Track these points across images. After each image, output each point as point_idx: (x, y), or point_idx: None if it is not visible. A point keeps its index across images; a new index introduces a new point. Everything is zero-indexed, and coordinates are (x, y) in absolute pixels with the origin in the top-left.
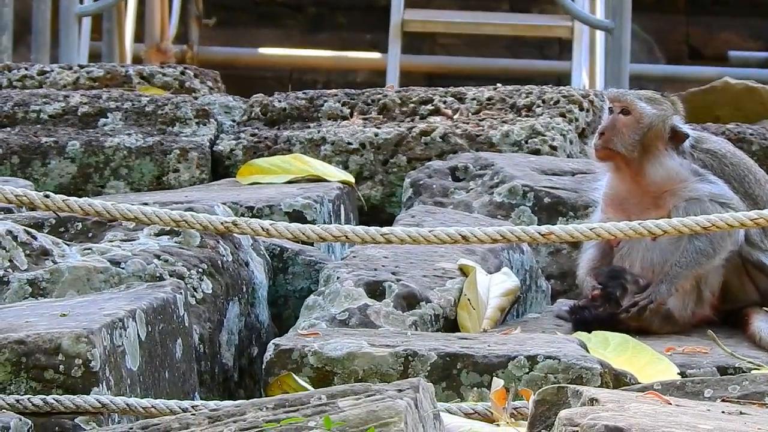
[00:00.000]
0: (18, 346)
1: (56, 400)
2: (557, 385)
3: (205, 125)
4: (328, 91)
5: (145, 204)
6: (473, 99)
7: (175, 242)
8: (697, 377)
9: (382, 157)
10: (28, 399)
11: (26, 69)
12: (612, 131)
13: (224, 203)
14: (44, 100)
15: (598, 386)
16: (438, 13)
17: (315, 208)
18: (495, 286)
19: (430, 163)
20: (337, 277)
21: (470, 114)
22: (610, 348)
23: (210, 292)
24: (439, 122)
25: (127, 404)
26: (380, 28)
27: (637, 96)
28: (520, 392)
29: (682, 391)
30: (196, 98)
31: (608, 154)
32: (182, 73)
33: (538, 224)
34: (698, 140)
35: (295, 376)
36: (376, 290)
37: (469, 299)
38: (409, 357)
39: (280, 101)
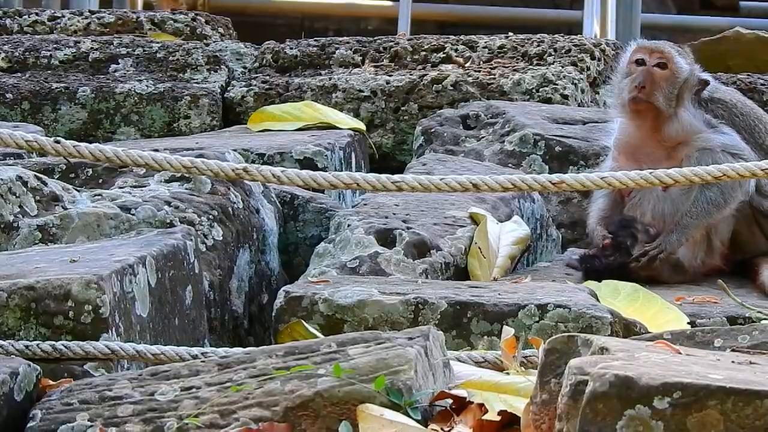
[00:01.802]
0: (27, 292)
1: (65, 347)
2: (567, 333)
3: (216, 72)
4: (340, 39)
5: (156, 150)
6: (485, 47)
7: (186, 189)
8: (707, 327)
9: (394, 104)
10: (38, 345)
11: (37, 14)
12: (652, 85)
13: (235, 150)
14: (55, 45)
15: (608, 335)
16: None
17: (326, 155)
18: (505, 235)
19: (441, 111)
20: (348, 225)
21: (481, 62)
22: (620, 297)
23: (220, 239)
24: (450, 70)
25: (137, 351)
26: None
27: (674, 49)
28: (530, 341)
29: (692, 340)
30: (207, 45)
31: (647, 107)
32: (193, 19)
33: (548, 173)
34: (710, 90)
35: (305, 324)
36: (386, 238)
37: (479, 248)
38: (420, 305)
39: (291, 48)
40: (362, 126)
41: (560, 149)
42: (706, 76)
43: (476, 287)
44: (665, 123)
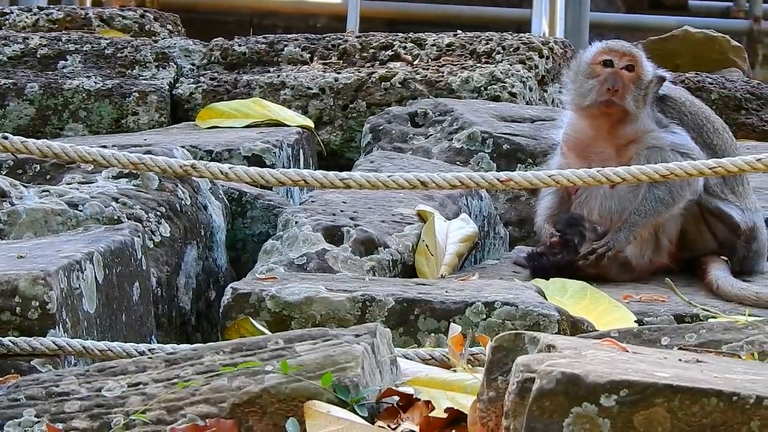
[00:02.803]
0: None
1: (12, 342)
2: (514, 331)
3: (164, 69)
4: (289, 36)
5: (104, 146)
6: (433, 45)
7: (134, 185)
8: (654, 325)
9: (342, 102)
10: None
11: None
12: (624, 88)
13: (183, 147)
14: (3, 42)
15: (556, 333)
16: None
17: (274, 152)
18: (453, 232)
19: (389, 108)
20: (296, 222)
21: (430, 60)
22: (568, 295)
23: (168, 235)
24: (399, 68)
25: (84, 347)
26: None
27: (640, 51)
28: (477, 338)
29: (639, 338)
30: (155, 41)
31: (618, 109)
32: (142, 16)
33: (496, 171)
34: (661, 89)
35: (252, 320)
36: (334, 235)
37: (427, 245)
38: (367, 302)
39: (240, 45)
40: (310, 123)
41: (508, 147)
42: (662, 72)
43: (424, 285)
44: (624, 123)
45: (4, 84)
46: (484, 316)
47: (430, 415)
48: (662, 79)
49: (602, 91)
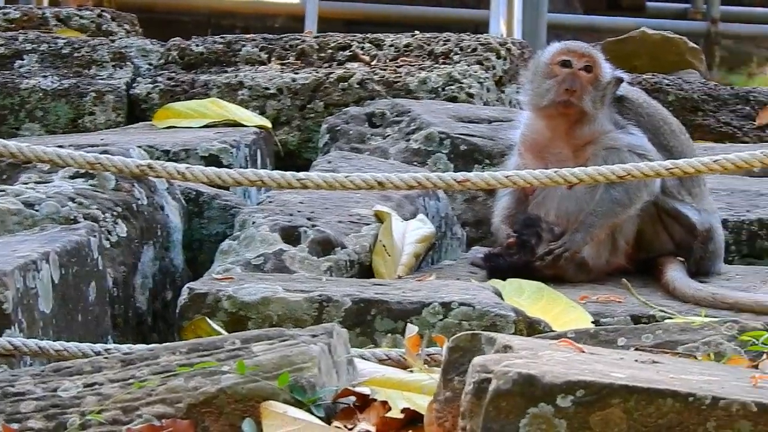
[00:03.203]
0: None
1: None
2: (471, 331)
3: (121, 68)
4: (246, 36)
5: (60, 146)
6: (391, 45)
7: (90, 185)
8: (610, 326)
9: (300, 102)
10: None
11: None
12: (582, 89)
13: (140, 146)
14: None
15: (512, 334)
16: None
17: (231, 152)
18: (410, 233)
19: (347, 109)
20: (253, 222)
21: (388, 60)
22: (525, 296)
23: (125, 235)
24: (356, 68)
25: (40, 347)
26: None
27: (598, 52)
28: (434, 339)
29: (596, 339)
30: (113, 41)
31: (575, 110)
32: (99, 15)
33: (454, 171)
34: (618, 90)
35: (209, 321)
36: (291, 235)
37: (384, 245)
38: (324, 302)
39: (197, 45)
40: (268, 123)
41: (465, 147)
42: (620, 73)
43: (381, 285)
44: (581, 124)
45: None
46: (441, 317)
47: (386, 415)
48: (620, 81)
49: (560, 91)
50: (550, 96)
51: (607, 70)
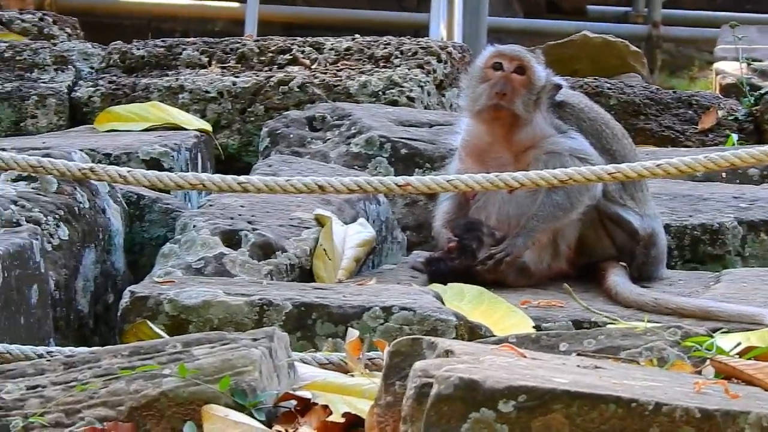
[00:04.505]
0: None
1: None
2: (412, 336)
3: (63, 72)
4: (187, 40)
5: (2, 149)
6: (331, 49)
7: (32, 188)
8: (552, 331)
9: (240, 106)
10: None
11: None
12: (513, 92)
13: (82, 150)
14: None
15: (453, 338)
16: None
17: (172, 156)
18: (351, 237)
19: (287, 112)
20: (194, 226)
21: (328, 64)
22: (466, 300)
23: (66, 238)
24: (297, 72)
25: None
26: None
27: (531, 55)
28: (375, 343)
29: (538, 344)
30: (54, 45)
31: (507, 113)
32: (41, 19)
33: (394, 175)
34: (559, 95)
35: (150, 324)
36: (232, 239)
37: (324, 249)
38: (264, 306)
39: (138, 49)
40: (208, 127)
41: (406, 151)
42: (558, 80)
43: (321, 289)
44: (519, 128)
45: None
46: (382, 321)
47: (327, 419)
48: (558, 87)
49: (491, 94)
50: (483, 100)
51: (541, 73)
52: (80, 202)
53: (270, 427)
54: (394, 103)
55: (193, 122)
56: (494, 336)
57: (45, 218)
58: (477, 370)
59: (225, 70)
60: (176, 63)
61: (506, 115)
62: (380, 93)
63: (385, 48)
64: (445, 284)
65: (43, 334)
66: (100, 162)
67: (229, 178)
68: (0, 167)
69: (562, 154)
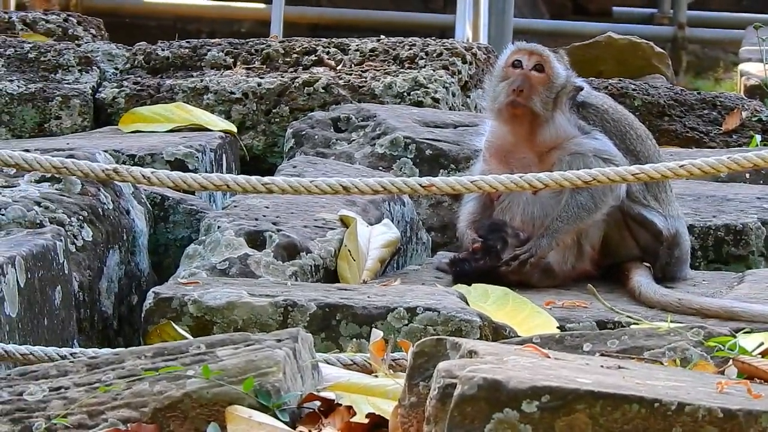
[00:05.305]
0: None
1: None
2: (436, 337)
3: (87, 73)
4: (212, 41)
5: (27, 150)
6: (356, 50)
7: (56, 189)
8: (576, 331)
9: (265, 107)
10: None
11: None
12: (530, 89)
13: (106, 151)
14: None
15: (477, 339)
16: None
17: (197, 156)
18: (375, 238)
19: (312, 113)
20: (218, 227)
21: (353, 65)
22: (490, 301)
23: (90, 239)
24: (322, 73)
25: (6, 351)
26: None
27: (552, 53)
28: (399, 344)
29: (561, 344)
30: (79, 45)
31: (524, 111)
32: (65, 20)
33: (419, 176)
34: (583, 95)
35: (174, 325)
36: (256, 240)
37: (349, 250)
38: (289, 307)
39: (163, 50)
40: (233, 128)
41: (431, 152)
42: (580, 82)
43: (345, 290)
44: (540, 127)
45: None
46: (406, 322)
47: (351, 420)
48: (579, 89)
49: (509, 91)
50: (501, 98)
51: (561, 72)
52: (104, 203)
53: (294, 428)
54: (419, 104)
55: (218, 123)
56: (518, 336)
57: (69, 219)
58: (500, 370)
59: (250, 71)
60: (201, 64)
61: (524, 112)
62: (405, 94)
63: (410, 49)
64: (469, 285)
65: (67, 336)
66: (124, 163)
67: (254, 179)
68: (24, 168)
69: (586, 155)
